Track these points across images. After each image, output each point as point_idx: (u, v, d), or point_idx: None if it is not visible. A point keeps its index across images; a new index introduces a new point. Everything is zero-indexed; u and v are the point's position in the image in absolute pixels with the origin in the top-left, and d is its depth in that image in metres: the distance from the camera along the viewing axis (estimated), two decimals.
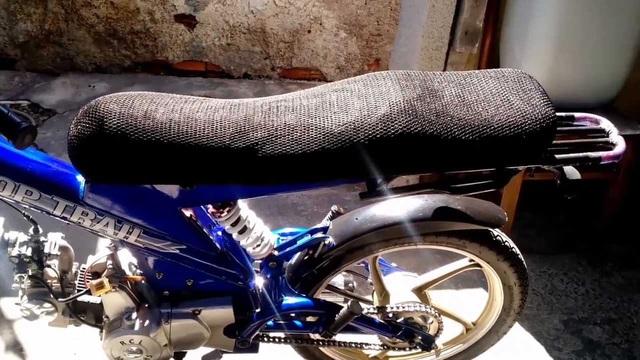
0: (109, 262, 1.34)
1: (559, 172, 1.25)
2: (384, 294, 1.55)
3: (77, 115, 1.17)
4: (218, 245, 1.36)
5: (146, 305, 1.37)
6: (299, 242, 1.42)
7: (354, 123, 1.13)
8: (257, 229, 1.37)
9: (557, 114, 1.21)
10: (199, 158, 1.12)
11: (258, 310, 1.42)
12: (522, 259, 1.51)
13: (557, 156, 1.21)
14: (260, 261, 1.44)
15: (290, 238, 1.47)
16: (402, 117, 1.12)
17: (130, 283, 1.35)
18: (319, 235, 1.41)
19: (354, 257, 1.43)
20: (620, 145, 1.24)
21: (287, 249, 1.43)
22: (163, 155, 1.12)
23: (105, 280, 1.30)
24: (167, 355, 1.42)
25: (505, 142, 1.13)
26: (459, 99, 1.18)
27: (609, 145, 1.26)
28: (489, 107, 1.16)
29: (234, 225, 1.32)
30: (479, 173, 1.23)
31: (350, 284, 1.64)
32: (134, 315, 1.35)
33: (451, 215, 1.38)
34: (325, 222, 1.45)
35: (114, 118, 1.12)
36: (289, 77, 3.64)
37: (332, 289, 1.58)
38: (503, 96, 1.19)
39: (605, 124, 1.30)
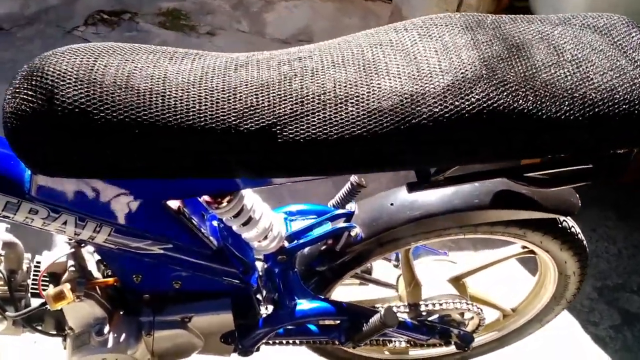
0: (71, 262, 1.02)
1: None
2: (414, 284, 1.28)
3: (14, 81, 0.80)
4: (214, 241, 1.04)
5: (121, 313, 1.07)
6: (317, 232, 1.12)
7: (410, 94, 0.79)
8: (265, 220, 1.05)
9: None
10: (193, 144, 0.78)
11: (264, 315, 1.14)
12: (586, 247, 1.23)
13: None
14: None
15: (302, 223, 1.16)
16: (479, 84, 0.79)
17: (100, 288, 1.04)
18: (343, 224, 1.10)
19: (385, 250, 1.14)
20: None
21: (302, 240, 1.12)
22: (142, 141, 0.78)
23: (66, 289, 0.98)
24: None
25: (616, 120, 0.81)
26: (553, 57, 0.84)
27: None
28: (592, 71, 0.83)
29: (236, 216, 1.00)
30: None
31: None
32: (106, 328, 1.05)
33: (513, 203, 1.08)
34: (350, 206, 1.13)
35: (69, 86, 0.77)
36: None
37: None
38: (608, 54, 0.86)
39: None
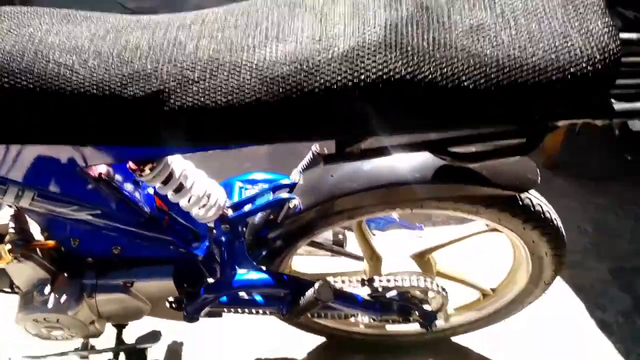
0: (12, 224, 1.05)
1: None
2: (375, 258, 1.23)
3: None
4: (146, 208, 1.04)
5: (65, 275, 1.10)
6: (258, 202, 1.09)
7: (307, 61, 0.74)
8: (198, 187, 1.03)
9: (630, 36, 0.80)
10: (79, 111, 0.77)
11: (206, 284, 1.13)
12: (560, 225, 1.13)
13: (618, 106, 0.80)
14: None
15: (251, 191, 1.14)
16: (382, 52, 0.73)
17: (42, 250, 1.07)
18: (283, 195, 1.07)
19: (330, 222, 1.09)
20: None
21: (244, 210, 1.10)
22: (31, 108, 0.77)
23: (3, 250, 1.02)
24: (97, 331, 1.16)
25: (537, 90, 0.73)
26: (475, 21, 0.76)
27: None
28: (518, 36, 0.75)
29: (164, 183, 0.99)
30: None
31: (341, 236, 1.31)
32: (47, 288, 1.08)
33: (458, 177, 1.00)
34: (295, 177, 1.10)
35: None
36: None
37: (315, 244, 1.26)
38: (541, 16, 0.77)
39: None
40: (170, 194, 1.01)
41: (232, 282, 1.08)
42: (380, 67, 0.73)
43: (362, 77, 0.72)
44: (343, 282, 1.17)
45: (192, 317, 1.15)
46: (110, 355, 1.23)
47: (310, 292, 1.04)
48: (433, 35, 0.75)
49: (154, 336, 1.19)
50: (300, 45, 0.76)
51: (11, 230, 1.04)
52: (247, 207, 1.09)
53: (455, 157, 0.84)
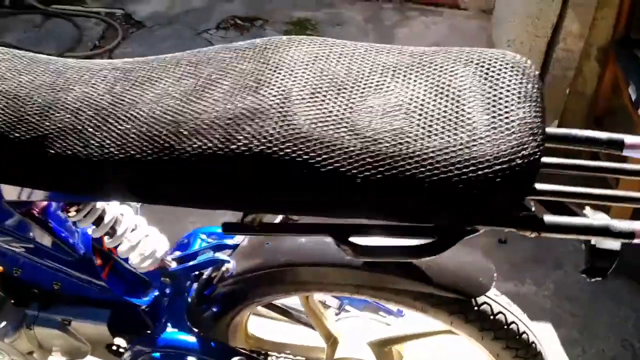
0: None
1: None
2: (332, 340, 1.12)
3: None
4: (80, 250, 1.02)
5: (11, 302, 1.10)
6: (199, 259, 1.03)
7: (178, 121, 0.69)
8: (133, 235, 1.00)
9: (592, 135, 0.71)
10: None
11: (140, 336, 1.08)
12: (535, 341, 0.96)
13: (548, 218, 0.66)
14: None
15: (200, 246, 1.09)
16: (260, 120, 0.66)
17: None
18: (220, 255, 1.01)
19: (268, 293, 1.01)
20: None
21: (187, 264, 1.04)
22: None
23: None
24: None
25: (439, 188, 0.62)
26: (381, 100, 0.68)
27: None
28: (427, 126, 0.65)
29: (97, 226, 0.97)
30: None
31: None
32: None
33: (396, 268, 0.88)
34: (241, 237, 1.03)
35: None
36: (413, 1, 3.06)
37: (274, 307, 1.18)
38: (457, 101, 0.67)
39: None
40: (106, 239, 0.99)
41: (158, 339, 1.03)
42: (258, 137, 0.66)
43: (237, 145, 0.66)
44: None
45: None
46: None
47: None
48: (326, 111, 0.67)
49: None
50: (180, 101, 0.71)
51: None
52: (192, 262, 1.04)
53: (355, 250, 0.74)
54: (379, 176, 0.63)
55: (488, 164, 0.61)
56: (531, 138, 0.63)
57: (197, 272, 1.06)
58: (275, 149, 0.64)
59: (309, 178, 0.65)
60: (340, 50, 0.76)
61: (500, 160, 0.61)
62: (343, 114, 0.67)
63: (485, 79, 0.69)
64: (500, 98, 0.67)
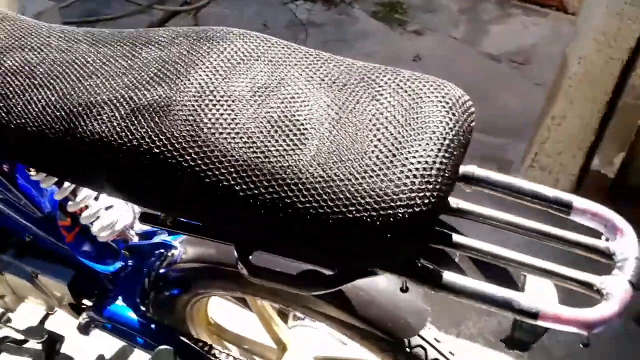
0: None
1: None
2: (282, 346, 1.07)
3: None
4: (43, 208, 1.03)
5: None
6: (155, 238, 1.02)
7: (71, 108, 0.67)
8: (97, 203, 1.00)
9: (539, 189, 0.63)
10: None
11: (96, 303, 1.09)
12: None
13: (447, 276, 0.58)
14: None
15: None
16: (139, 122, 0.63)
17: None
18: (169, 239, 0.99)
19: (210, 287, 0.98)
20: (616, 299, 0.55)
21: (146, 241, 1.04)
22: None
23: None
24: (9, 307, 1.19)
25: (326, 222, 0.56)
26: (289, 113, 0.62)
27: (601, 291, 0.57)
28: (327, 150, 0.59)
29: (59, 187, 0.98)
30: None
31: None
32: None
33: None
34: None
35: None
36: None
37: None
38: (367, 127, 0.60)
39: (618, 242, 0.60)
40: (69, 203, 1.00)
41: (105, 310, 1.04)
42: (157, 132, 0.63)
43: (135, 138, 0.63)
44: (226, 355, 1.04)
45: (83, 329, 1.12)
46: None
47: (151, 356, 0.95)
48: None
49: (38, 332, 1.18)
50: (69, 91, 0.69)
51: None
52: (146, 241, 1.03)
53: (248, 268, 0.69)
54: (265, 195, 0.58)
55: (370, 203, 0.54)
56: (430, 182, 0.55)
57: (161, 251, 1.05)
58: (170, 148, 0.61)
59: (200, 186, 0.61)
60: (275, 52, 0.70)
61: (385, 200, 0.54)
62: (244, 123, 0.62)
63: (407, 109, 0.61)
64: (411, 133, 0.59)
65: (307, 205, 0.56)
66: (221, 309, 1.17)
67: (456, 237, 0.64)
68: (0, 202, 1.02)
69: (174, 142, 0.61)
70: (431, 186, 0.55)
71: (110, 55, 0.73)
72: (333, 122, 0.61)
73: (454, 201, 0.68)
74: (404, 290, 0.64)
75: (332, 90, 0.64)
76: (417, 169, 0.56)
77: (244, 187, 0.58)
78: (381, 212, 0.54)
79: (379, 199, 0.54)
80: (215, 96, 0.64)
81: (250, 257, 0.67)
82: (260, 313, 1.04)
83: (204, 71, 0.67)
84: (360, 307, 0.80)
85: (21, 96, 0.71)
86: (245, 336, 1.17)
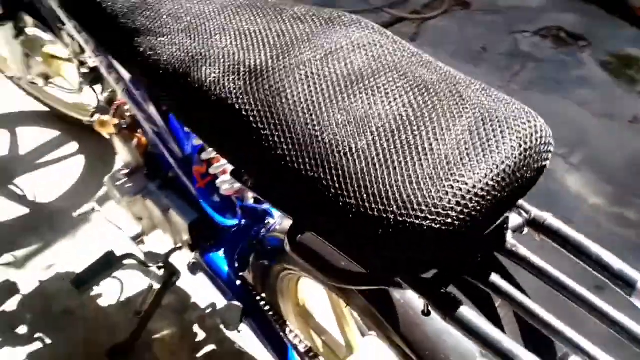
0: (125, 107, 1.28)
1: None
2: (350, 350, 1.06)
3: None
4: (183, 148, 1.14)
5: (144, 171, 1.29)
6: (265, 204, 1.08)
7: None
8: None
9: (604, 256, 0.59)
10: None
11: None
12: None
13: (464, 311, 0.55)
14: None
15: None
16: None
17: (138, 141, 1.28)
18: (267, 206, 1.04)
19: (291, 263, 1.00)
20: None
21: (258, 205, 1.10)
22: None
23: (111, 121, 1.26)
24: (146, 230, 1.34)
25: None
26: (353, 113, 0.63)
27: None
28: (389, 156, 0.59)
29: None
30: None
31: None
32: (124, 172, 1.30)
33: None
34: None
35: None
36: None
37: None
38: (427, 139, 0.59)
39: None
40: (204, 152, 1.10)
41: (206, 257, 1.12)
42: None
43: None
44: (297, 338, 1.05)
45: (191, 268, 1.22)
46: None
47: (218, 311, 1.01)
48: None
49: (158, 259, 1.29)
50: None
51: (124, 114, 1.28)
52: (254, 204, 1.09)
53: (292, 246, 0.70)
54: (317, 174, 0.59)
55: (401, 207, 0.53)
56: (462, 204, 0.52)
57: (267, 217, 1.10)
58: (255, 113, 0.64)
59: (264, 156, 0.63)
60: (383, 45, 0.70)
61: (414, 209, 0.53)
62: (326, 106, 0.63)
63: (479, 127, 0.58)
64: (471, 151, 0.56)
65: (340, 191, 0.56)
66: (314, 296, 1.19)
67: (498, 281, 0.59)
68: (157, 137, 1.16)
69: (259, 106, 0.64)
70: (463, 209, 0.52)
71: (246, 18, 0.78)
72: (403, 123, 0.60)
73: (511, 242, 0.63)
74: (425, 313, 0.60)
75: (416, 92, 0.63)
76: (454, 186, 0.53)
77: (301, 162, 0.59)
78: (407, 219, 0.53)
79: (409, 205, 0.53)
80: (307, 74, 0.66)
81: (300, 235, 0.68)
82: (337, 312, 1.04)
83: (311, 49, 0.69)
84: (405, 326, 0.76)
85: (167, 37, 0.80)
86: (327, 329, 1.18)
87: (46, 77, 1.74)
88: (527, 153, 0.57)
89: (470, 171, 0.54)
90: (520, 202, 0.65)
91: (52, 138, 2.01)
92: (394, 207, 0.53)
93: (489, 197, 0.53)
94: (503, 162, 0.55)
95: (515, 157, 0.56)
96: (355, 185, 0.56)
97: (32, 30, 1.63)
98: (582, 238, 0.61)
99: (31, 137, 2.00)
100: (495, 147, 0.56)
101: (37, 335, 1.41)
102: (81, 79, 1.45)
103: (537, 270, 0.60)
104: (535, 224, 0.63)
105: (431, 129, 0.58)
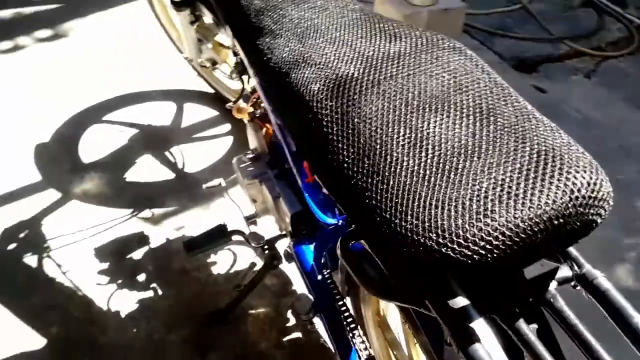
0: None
1: None
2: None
3: None
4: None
5: (267, 157, 1.39)
6: None
7: None
8: None
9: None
10: None
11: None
12: None
13: (477, 348, 0.56)
14: None
15: None
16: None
17: (266, 131, 1.38)
18: None
19: None
20: None
21: None
22: None
23: (247, 108, 1.37)
24: (257, 213, 1.44)
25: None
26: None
27: None
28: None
29: None
30: None
31: None
32: (250, 155, 1.40)
33: None
34: None
35: None
36: None
37: None
38: (480, 172, 0.60)
39: None
40: None
41: (298, 248, 1.18)
42: None
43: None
44: (363, 344, 1.07)
45: (286, 256, 1.30)
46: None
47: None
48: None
49: (260, 241, 1.38)
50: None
51: (259, 105, 1.38)
52: None
53: (343, 251, 0.74)
54: (361, 183, 0.63)
55: (426, 233, 0.55)
56: (486, 240, 0.53)
57: None
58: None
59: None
60: (474, 75, 0.71)
61: (439, 235, 0.55)
62: (392, 122, 0.67)
63: (537, 170, 0.58)
64: (516, 191, 0.56)
65: (379, 203, 0.59)
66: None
67: (524, 329, 0.58)
68: (278, 129, 1.24)
69: (334, 113, 0.69)
70: (486, 244, 0.53)
71: (355, 31, 0.83)
72: (459, 150, 0.61)
73: (552, 293, 0.61)
74: (447, 343, 0.61)
75: (483, 123, 0.64)
76: (482, 220, 0.54)
77: (357, 172, 0.64)
78: (428, 242, 0.54)
79: (434, 229, 0.54)
80: (385, 90, 0.69)
81: (354, 242, 0.72)
82: (405, 328, 1.05)
83: (397, 67, 0.72)
84: (435, 350, 0.77)
85: (283, 39, 0.87)
86: (402, 343, 1.19)
87: (214, 63, 1.92)
88: (576, 202, 0.56)
89: (504, 209, 0.54)
90: (576, 255, 0.63)
91: (210, 117, 2.21)
92: (420, 228, 0.55)
93: (516, 239, 0.53)
94: (541, 207, 0.54)
95: (558, 205, 0.55)
96: (394, 200, 0.58)
97: (207, 19, 1.81)
98: (628, 306, 0.58)
99: (193, 113, 2.21)
100: (539, 191, 0.55)
101: (152, 285, 1.57)
102: (233, 67, 1.58)
103: (568, 328, 0.59)
104: (583, 280, 0.61)
105: (484, 161, 0.59)
